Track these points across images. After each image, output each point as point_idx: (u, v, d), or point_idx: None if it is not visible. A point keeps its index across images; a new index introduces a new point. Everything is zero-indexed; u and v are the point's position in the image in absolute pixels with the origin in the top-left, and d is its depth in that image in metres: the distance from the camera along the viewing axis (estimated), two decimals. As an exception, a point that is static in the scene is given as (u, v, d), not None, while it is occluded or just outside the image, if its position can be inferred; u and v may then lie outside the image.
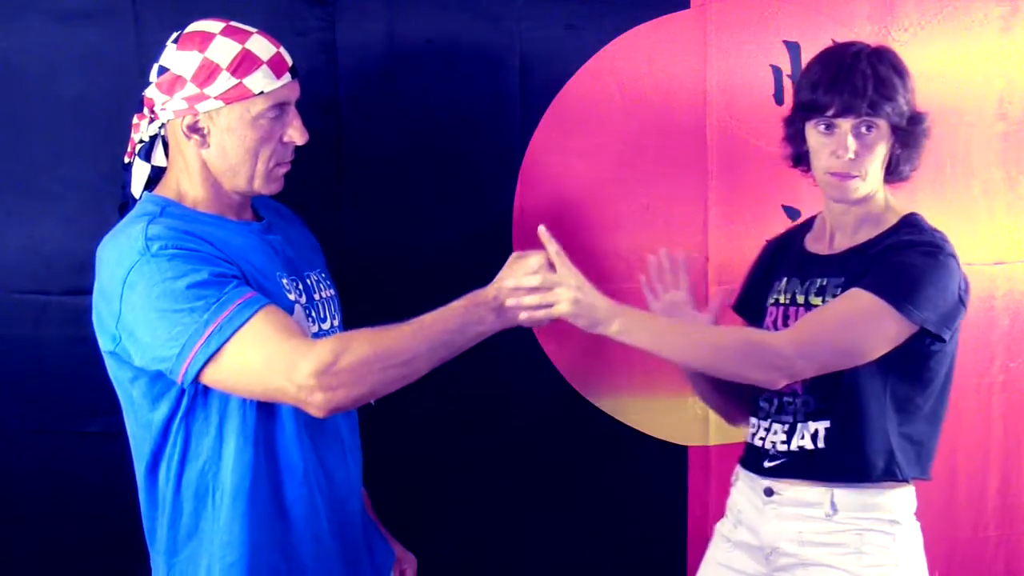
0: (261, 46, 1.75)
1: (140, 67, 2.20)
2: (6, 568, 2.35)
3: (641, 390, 2.38)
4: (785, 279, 2.01)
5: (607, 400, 2.41)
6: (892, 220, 1.96)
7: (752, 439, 2.03)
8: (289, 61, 1.79)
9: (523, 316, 1.74)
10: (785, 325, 1.96)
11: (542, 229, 1.77)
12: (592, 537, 2.43)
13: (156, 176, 1.83)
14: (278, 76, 1.75)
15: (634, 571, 2.43)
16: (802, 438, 1.93)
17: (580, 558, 2.44)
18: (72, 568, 2.34)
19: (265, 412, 1.75)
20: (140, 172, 1.83)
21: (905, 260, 1.87)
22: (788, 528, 1.94)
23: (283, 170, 1.82)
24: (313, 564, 1.81)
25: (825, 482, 1.92)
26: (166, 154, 1.82)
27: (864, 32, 2.30)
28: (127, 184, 1.85)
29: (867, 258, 1.91)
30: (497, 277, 1.76)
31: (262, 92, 1.74)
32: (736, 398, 2.09)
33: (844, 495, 1.91)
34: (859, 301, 1.84)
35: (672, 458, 2.41)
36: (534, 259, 1.75)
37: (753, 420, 2.04)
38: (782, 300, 2.00)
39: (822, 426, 1.92)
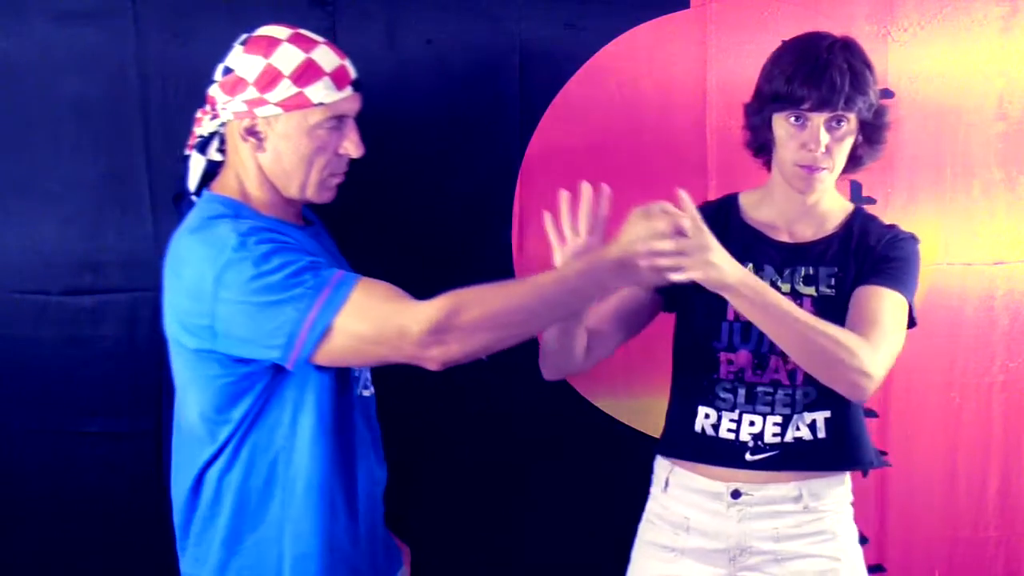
0: (326, 57, 1.75)
1: (140, 67, 2.21)
2: (6, 568, 2.35)
3: (641, 390, 2.38)
4: (751, 265, 1.94)
5: (607, 400, 2.41)
6: (847, 207, 2.00)
7: (714, 432, 1.95)
8: (353, 74, 1.78)
9: (675, 277, 1.67)
10: None
11: (683, 193, 1.68)
12: (592, 537, 2.43)
13: (210, 170, 1.85)
14: (339, 88, 1.75)
15: (634, 571, 2.43)
16: (797, 429, 1.92)
17: (580, 558, 2.44)
18: (72, 568, 2.34)
19: (339, 406, 1.77)
20: (196, 165, 1.85)
21: (904, 255, 1.91)
22: (761, 526, 1.94)
23: (336, 180, 1.82)
24: (352, 561, 1.82)
25: (817, 472, 1.93)
26: (220, 150, 1.83)
27: (864, 32, 2.29)
28: (184, 176, 1.86)
29: (856, 250, 1.92)
30: (622, 237, 1.68)
31: (321, 103, 1.73)
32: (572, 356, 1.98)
33: (820, 486, 1.94)
34: (899, 303, 1.86)
35: (672, 458, 2.42)
36: (663, 222, 1.66)
37: (707, 411, 1.96)
38: None
39: (822, 416, 1.92)
